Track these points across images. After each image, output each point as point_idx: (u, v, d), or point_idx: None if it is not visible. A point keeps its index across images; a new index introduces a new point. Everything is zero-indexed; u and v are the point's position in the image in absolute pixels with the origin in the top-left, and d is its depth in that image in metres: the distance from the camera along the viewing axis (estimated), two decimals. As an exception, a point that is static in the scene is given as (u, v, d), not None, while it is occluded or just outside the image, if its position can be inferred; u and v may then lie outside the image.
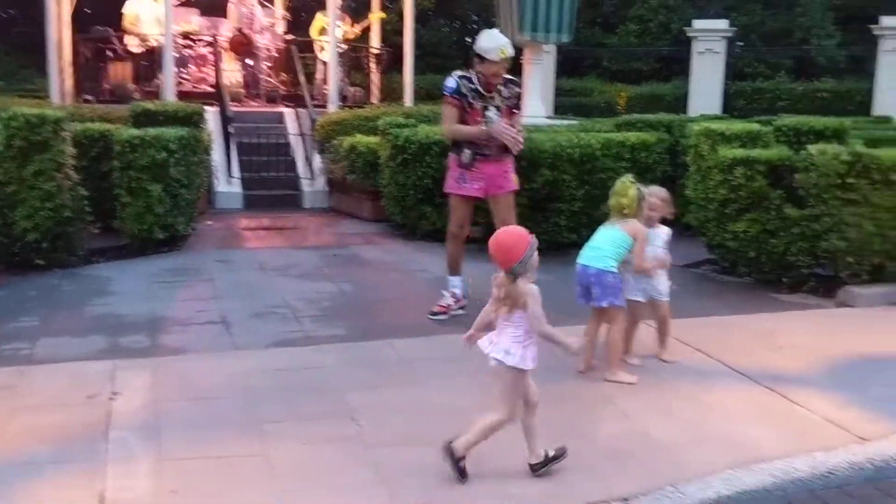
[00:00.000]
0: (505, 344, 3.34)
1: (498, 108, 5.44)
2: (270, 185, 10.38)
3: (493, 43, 5.31)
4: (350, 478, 3.36)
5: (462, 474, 3.33)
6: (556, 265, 6.60)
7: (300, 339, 5.11)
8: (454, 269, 5.73)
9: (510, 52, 5.35)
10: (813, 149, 6.09)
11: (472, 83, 5.43)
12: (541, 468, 3.42)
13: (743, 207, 6.41)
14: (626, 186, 4.47)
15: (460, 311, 5.62)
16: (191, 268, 6.89)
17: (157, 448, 3.54)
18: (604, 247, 4.47)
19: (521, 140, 5.48)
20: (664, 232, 4.80)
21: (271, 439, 3.67)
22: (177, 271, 6.75)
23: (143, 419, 3.82)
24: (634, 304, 4.72)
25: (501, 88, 5.45)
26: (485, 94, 5.43)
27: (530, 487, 3.31)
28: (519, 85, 5.62)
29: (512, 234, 3.41)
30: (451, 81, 5.45)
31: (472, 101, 5.42)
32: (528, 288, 3.31)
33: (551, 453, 3.43)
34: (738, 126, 6.86)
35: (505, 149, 5.49)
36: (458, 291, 5.71)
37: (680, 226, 8.46)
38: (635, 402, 4.18)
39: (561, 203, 7.52)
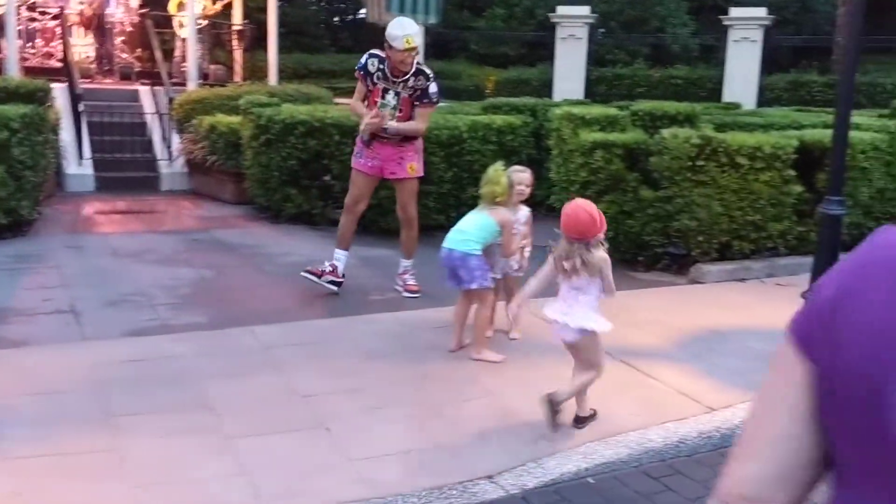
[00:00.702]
0: (582, 312, 3.62)
1: (398, 94, 5.41)
2: (125, 167, 9.86)
3: (400, 31, 5.27)
4: (208, 470, 3.24)
5: (555, 425, 3.60)
6: (424, 247, 6.61)
7: (156, 327, 4.89)
8: (342, 243, 5.67)
9: (416, 42, 5.34)
10: (666, 133, 6.35)
11: (382, 65, 5.40)
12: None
13: (602, 189, 6.61)
14: (499, 174, 4.54)
15: (333, 288, 5.55)
16: (36, 254, 6.45)
17: (-5, 448, 3.30)
18: (470, 231, 4.52)
19: (378, 122, 5.36)
20: (525, 212, 4.89)
21: (124, 433, 3.49)
22: (21, 258, 6.30)
23: (-21, 418, 3.55)
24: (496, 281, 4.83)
25: (410, 78, 5.40)
26: (390, 77, 5.39)
27: (389, 471, 3.29)
28: (429, 78, 5.45)
29: (593, 208, 3.64)
30: (363, 58, 5.49)
31: (375, 81, 5.43)
32: (603, 255, 3.62)
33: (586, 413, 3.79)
34: (597, 110, 7.07)
35: (406, 137, 5.50)
36: (339, 265, 5.64)
37: (545, 207, 8.69)
38: (500, 379, 4.25)
39: (429, 185, 7.53)
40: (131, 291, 5.55)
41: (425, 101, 5.48)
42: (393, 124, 5.42)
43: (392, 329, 4.98)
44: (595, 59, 18.86)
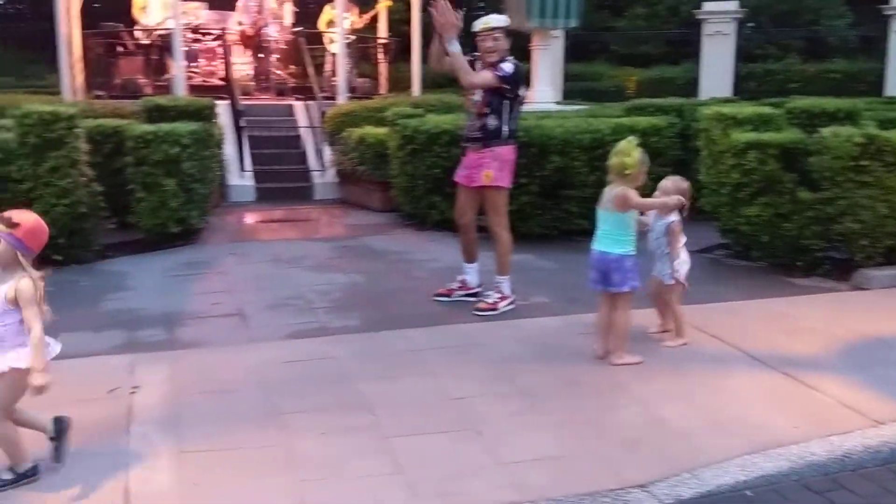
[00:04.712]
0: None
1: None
2: (282, 178, 10.42)
3: (481, 19, 5.40)
4: (367, 468, 3.39)
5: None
6: (565, 252, 6.63)
7: (314, 330, 5.15)
8: (463, 256, 5.77)
9: (494, 23, 5.32)
10: (826, 131, 6.06)
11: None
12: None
13: (756, 191, 6.39)
14: (632, 146, 4.46)
15: (470, 298, 5.67)
16: (205, 261, 6.94)
17: (177, 441, 3.58)
18: (616, 231, 4.50)
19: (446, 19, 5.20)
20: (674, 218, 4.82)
21: (289, 430, 3.70)
22: (191, 265, 6.81)
23: (162, 413, 3.86)
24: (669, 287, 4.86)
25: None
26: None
27: (540, 476, 3.32)
28: (506, 61, 5.30)
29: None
30: None
31: None
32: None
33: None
34: (749, 109, 6.83)
35: (484, 141, 5.37)
36: (466, 278, 5.75)
37: (693, 210, 8.45)
38: (649, 388, 4.20)
39: (571, 189, 7.51)
40: (291, 296, 5.87)
41: (493, 69, 5.26)
42: (457, 46, 5.20)
43: (537, 335, 5.01)
44: (743, 54, 18.17)
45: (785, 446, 3.55)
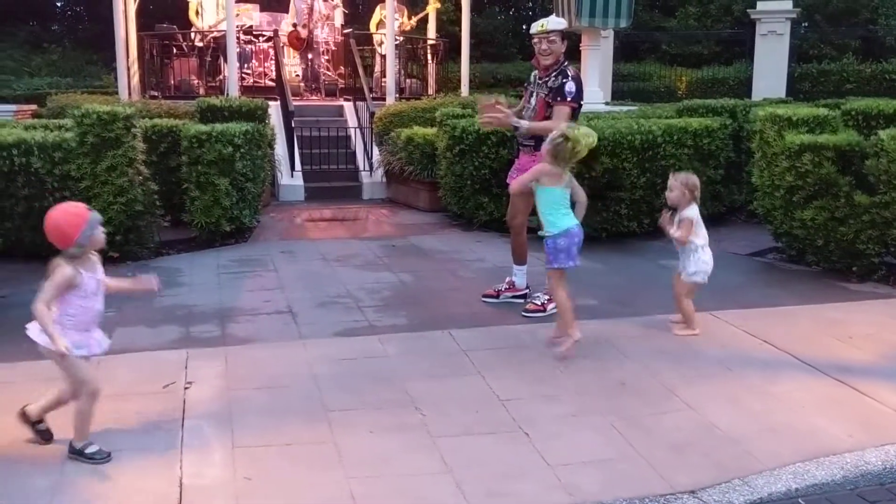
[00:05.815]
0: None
1: (537, 95, 5.44)
2: (331, 178, 10.54)
3: (537, 22, 5.45)
4: (416, 466, 3.41)
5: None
6: (613, 254, 6.56)
7: (363, 328, 5.20)
8: (513, 258, 5.78)
9: (550, 26, 5.33)
10: (883, 134, 5.92)
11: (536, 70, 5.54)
12: None
13: (810, 194, 6.28)
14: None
15: (517, 300, 5.67)
16: (257, 259, 7.05)
17: (229, 436, 3.65)
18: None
19: (496, 118, 5.30)
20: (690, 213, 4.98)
21: (338, 427, 3.75)
22: (243, 262, 6.92)
23: (215, 407, 3.94)
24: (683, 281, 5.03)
25: (551, 77, 5.37)
26: (536, 80, 5.50)
27: (588, 479, 3.31)
28: (567, 77, 5.32)
29: (66, 212, 3.36)
30: None
31: (528, 87, 5.56)
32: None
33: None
34: (804, 111, 6.71)
35: (538, 144, 5.32)
36: (515, 280, 5.75)
37: (745, 213, 8.35)
38: (699, 392, 4.15)
39: (621, 191, 7.45)
40: (339, 294, 5.93)
41: (559, 98, 5.28)
42: (525, 123, 5.32)
43: (584, 337, 4.97)
44: (798, 54, 17.83)
45: (838, 454, 3.49)
